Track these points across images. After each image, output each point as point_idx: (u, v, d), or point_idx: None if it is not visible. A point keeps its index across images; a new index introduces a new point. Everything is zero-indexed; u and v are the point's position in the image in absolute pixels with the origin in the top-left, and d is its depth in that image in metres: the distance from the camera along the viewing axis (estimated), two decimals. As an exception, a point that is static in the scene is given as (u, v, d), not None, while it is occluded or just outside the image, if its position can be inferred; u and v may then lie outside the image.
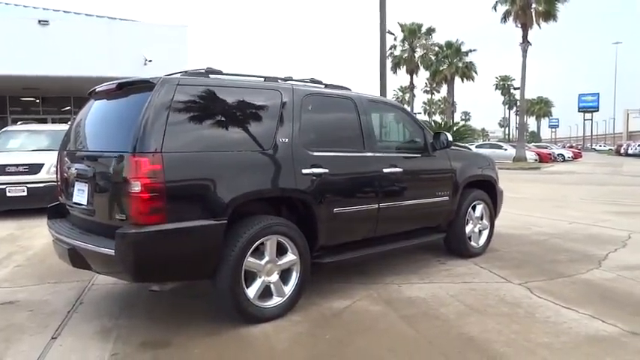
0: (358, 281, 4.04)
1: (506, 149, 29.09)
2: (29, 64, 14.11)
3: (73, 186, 3.28)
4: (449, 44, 39.14)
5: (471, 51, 39.36)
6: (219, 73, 3.31)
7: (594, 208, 8.57)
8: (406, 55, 39.00)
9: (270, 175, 3.21)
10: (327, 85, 4.01)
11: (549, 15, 26.98)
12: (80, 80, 15.45)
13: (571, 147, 50.86)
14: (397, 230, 4.23)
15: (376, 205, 3.84)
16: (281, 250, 3.25)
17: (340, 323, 3.18)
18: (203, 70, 3.25)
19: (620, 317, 3.23)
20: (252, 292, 3.08)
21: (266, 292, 3.18)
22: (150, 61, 15.40)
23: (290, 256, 3.28)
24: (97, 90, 3.49)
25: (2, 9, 20.52)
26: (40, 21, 14.49)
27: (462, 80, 39.61)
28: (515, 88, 54.95)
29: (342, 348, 2.82)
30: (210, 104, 3.08)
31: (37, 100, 19.52)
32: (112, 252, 2.66)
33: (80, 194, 3.17)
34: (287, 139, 3.31)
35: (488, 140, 40.95)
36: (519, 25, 27.69)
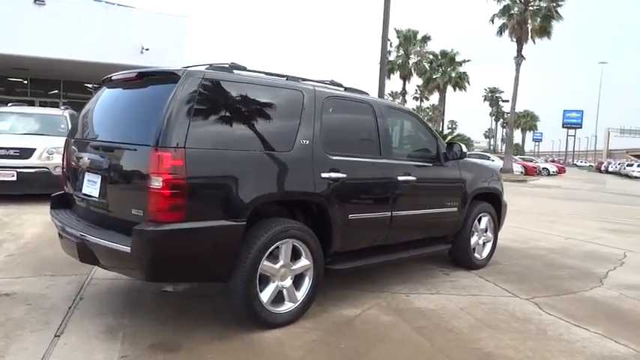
0: (365, 288, 3.98)
1: (493, 160, 29.36)
2: (21, 43, 13.64)
3: (83, 176, 3.14)
4: (444, 53, 39.29)
5: (465, 61, 39.49)
6: (244, 69, 3.21)
7: (587, 224, 8.74)
8: (400, 61, 39.06)
9: (292, 177, 3.12)
10: (346, 89, 3.94)
11: (545, 31, 27.43)
12: (72, 64, 15.07)
13: (553, 161, 51.81)
14: (407, 239, 4.19)
15: (389, 213, 3.79)
16: (295, 255, 3.16)
17: (353, 332, 3.12)
18: (227, 65, 3.15)
19: (630, 338, 3.25)
20: (265, 296, 2.99)
21: (278, 298, 3.10)
22: (147, 49, 15.07)
23: (304, 261, 3.20)
24: (112, 78, 3.34)
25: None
26: (35, 0, 14.03)
27: (455, 90, 39.85)
28: (503, 101, 55.79)
29: (359, 359, 2.75)
30: (234, 100, 2.98)
31: (25, 82, 18.95)
32: (127, 249, 2.54)
33: (91, 185, 3.03)
34: (308, 141, 3.23)
35: (473, 150, 41.14)
36: (514, 40, 28.05)
